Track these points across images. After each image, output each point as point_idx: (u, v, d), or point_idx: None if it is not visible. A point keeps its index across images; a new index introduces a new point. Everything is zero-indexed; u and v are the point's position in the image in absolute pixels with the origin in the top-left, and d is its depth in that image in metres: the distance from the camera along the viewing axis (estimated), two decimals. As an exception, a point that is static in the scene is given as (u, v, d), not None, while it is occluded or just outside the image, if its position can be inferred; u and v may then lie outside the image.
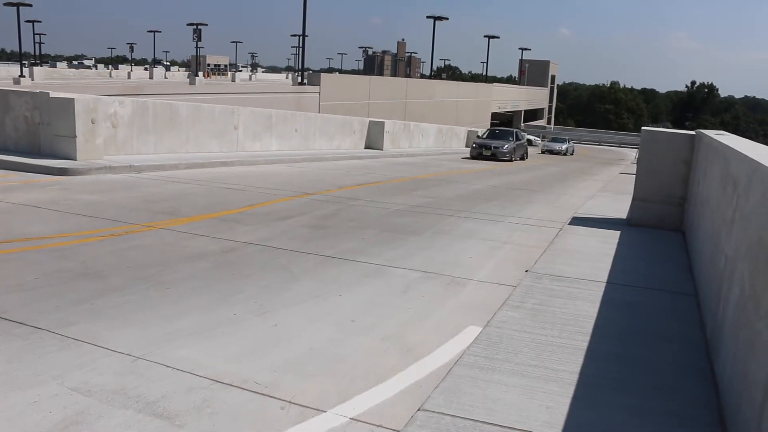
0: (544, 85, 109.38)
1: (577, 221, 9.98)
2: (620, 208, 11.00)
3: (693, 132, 9.86)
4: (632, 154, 54.53)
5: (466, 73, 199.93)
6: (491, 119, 74.46)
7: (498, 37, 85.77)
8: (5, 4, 65.33)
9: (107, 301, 5.91)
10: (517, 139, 33.70)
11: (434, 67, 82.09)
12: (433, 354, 5.13)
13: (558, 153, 46.00)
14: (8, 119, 15.12)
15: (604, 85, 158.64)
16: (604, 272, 6.97)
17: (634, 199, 10.02)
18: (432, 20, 63.17)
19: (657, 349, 4.94)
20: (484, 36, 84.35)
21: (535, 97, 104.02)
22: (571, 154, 49.43)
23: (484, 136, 34.34)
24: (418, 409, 3.73)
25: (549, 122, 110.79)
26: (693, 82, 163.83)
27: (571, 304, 5.79)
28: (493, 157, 30.46)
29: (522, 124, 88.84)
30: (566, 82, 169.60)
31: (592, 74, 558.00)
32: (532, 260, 7.65)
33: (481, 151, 30.98)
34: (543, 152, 48.08)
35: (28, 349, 4.79)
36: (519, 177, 22.21)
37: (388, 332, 5.53)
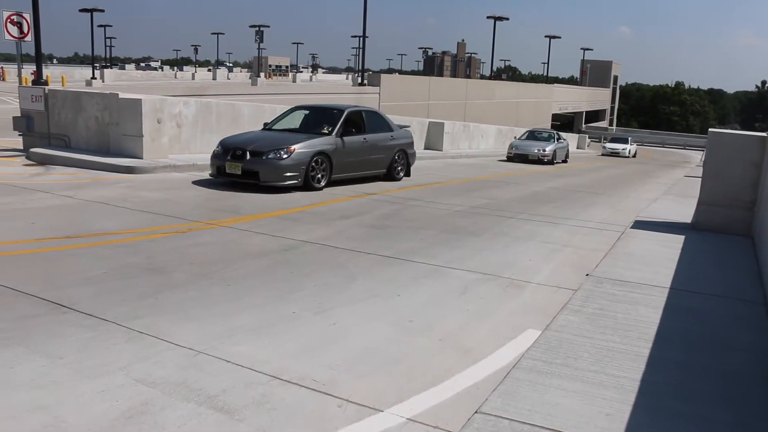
0: (606, 86, 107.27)
1: (639, 225, 9.76)
2: (685, 212, 10.71)
3: (764, 134, 9.53)
4: (697, 156, 53.01)
5: (526, 73, 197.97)
6: (551, 120, 73.44)
7: (559, 37, 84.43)
8: (80, 10, 67.74)
9: (170, 296, 6.06)
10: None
11: (494, 68, 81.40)
12: (490, 356, 5.10)
13: (619, 154, 44.28)
14: (80, 119, 15.65)
15: (667, 85, 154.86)
16: (667, 277, 6.80)
17: (699, 203, 9.74)
18: (492, 20, 62.76)
19: (723, 358, 4.80)
20: (545, 36, 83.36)
21: (597, 98, 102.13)
22: (633, 156, 48.09)
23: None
24: (476, 412, 3.71)
25: (611, 124, 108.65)
26: (764, 82, 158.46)
27: (633, 310, 5.67)
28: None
29: (583, 126, 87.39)
30: (629, 82, 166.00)
31: (655, 74, 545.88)
32: (593, 264, 7.52)
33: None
34: (603, 154, 46.73)
35: (96, 340, 4.96)
36: (579, 179, 21.86)
37: (446, 333, 5.51)
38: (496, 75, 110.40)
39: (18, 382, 4.24)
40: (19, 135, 16.63)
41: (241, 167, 12.27)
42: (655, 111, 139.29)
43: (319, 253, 7.94)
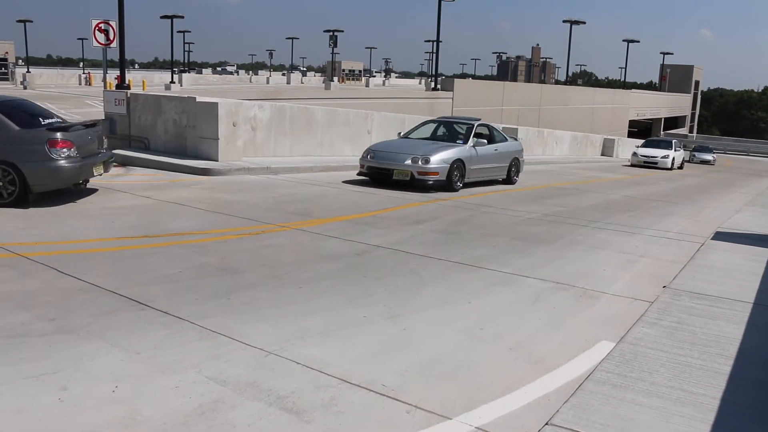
0: (686, 91, 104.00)
1: (720, 236, 9.40)
2: (770, 224, 10.27)
3: None
4: None
5: (603, 78, 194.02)
6: (628, 127, 71.67)
7: (638, 41, 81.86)
8: (161, 17, 70.18)
9: (242, 297, 6.17)
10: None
11: (569, 73, 79.76)
12: (562, 367, 4.98)
13: (657, 165, 40.91)
14: (159, 122, 16.16)
15: (753, 90, 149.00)
16: (750, 292, 6.53)
17: (786, 215, 9.32)
18: (568, 24, 61.66)
19: (811, 378, 4.56)
20: (623, 40, 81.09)
21: (677, 103, 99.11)
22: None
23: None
24: (546, 423, 3.64)
25: (691, 131, 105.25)
26: None
27: (713, 325, 5.46)
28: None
29: (662, 133, 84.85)
30: (711, 87, 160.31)
31: (740, 79, 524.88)
32: (671, 276, 7.28)
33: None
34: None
35: (171, 337, 5.09)
36: (656, 187, 21.22)
37: (517, 342, 5.43)
38: (572, 80, 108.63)
39: (98, 375, 4.40)
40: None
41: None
42: (739, 117, 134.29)
43: (391, 257, 7.95)
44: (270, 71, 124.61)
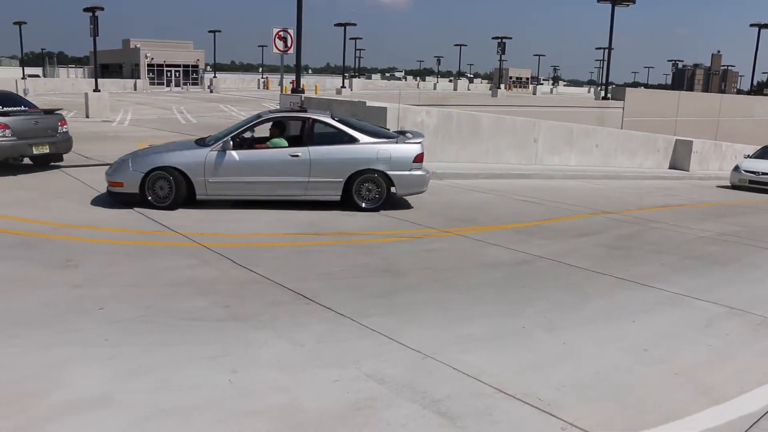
0: None
1: None
2: None
3: None
4: None
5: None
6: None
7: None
8: (335, 25, 72.97)
9: (403, 298, 6.27)
10: None
11: (755, 81, 73.75)
12: (734, 400, 4.58)
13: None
14: (330, 124, 16.79)
15: None
16: None
17: None
18: (756, 28, 57.00)
19: None
20: (824, 47, 73.81)
21: None
22: None
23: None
24: (718, 458, 3.38)
25: None
26: None
27: None
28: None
29: None
30: None
31: None
32: None
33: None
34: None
35: (333, 332, 5.27)
36: None
37: (683, 367, 5.08)
38: (757, 89, 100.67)
39: (265, 362, 4.65)
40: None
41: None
42: None
43: (553, 269, 7.74)
44: (437, 77, 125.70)
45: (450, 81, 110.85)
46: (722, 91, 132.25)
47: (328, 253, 7.84)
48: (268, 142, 10.42)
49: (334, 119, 10.59)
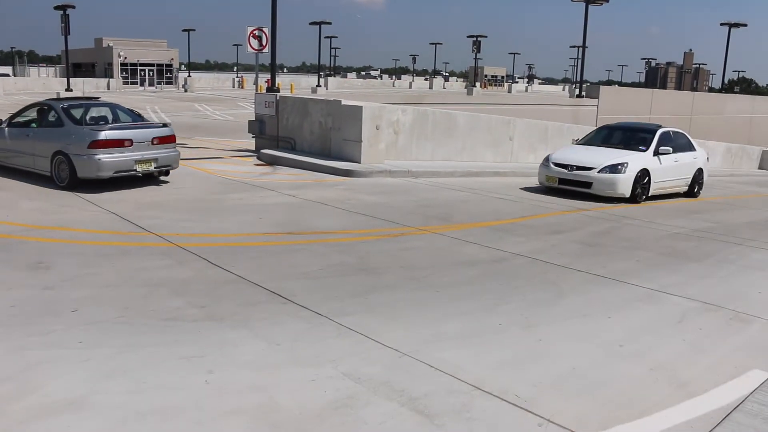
0: None
1: None
2: None
3: None
4: None
5: (763, 86, 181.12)
6: (793, 140, 66.28)
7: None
8: (310, 23, 72.77)
9: (380, 297, 6.27)
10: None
11: (725, 80, 74.66)
12: (708, 394, 4.64)
13: None
14: (306, 124, 16.75)
15: None
16: None
17: None
18: (726, 27, 57.77)
19: None
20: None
21: None
22: None
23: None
24: (692, 451, 3.42)
25: None
26: None
27: None
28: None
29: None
30: None
31: None
32: (840, 303, 6.66)
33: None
34: None
35: (310, 331, 5.26)
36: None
37: (658, 362, 5.14)
38: (728, 87, 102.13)
39: (241, 362, 4.63)
40: (253, 137, 18.22)
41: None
42: None
43: (530, 266, 7.79)
44: (413, 76, 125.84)
45: (426, 79, 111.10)
46: (694, 89, 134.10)
47: (306, 252, 7.81)
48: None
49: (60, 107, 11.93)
